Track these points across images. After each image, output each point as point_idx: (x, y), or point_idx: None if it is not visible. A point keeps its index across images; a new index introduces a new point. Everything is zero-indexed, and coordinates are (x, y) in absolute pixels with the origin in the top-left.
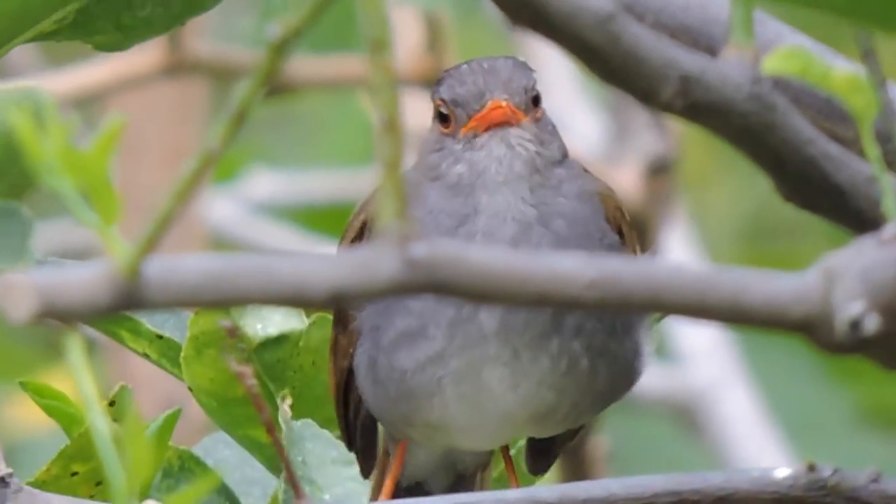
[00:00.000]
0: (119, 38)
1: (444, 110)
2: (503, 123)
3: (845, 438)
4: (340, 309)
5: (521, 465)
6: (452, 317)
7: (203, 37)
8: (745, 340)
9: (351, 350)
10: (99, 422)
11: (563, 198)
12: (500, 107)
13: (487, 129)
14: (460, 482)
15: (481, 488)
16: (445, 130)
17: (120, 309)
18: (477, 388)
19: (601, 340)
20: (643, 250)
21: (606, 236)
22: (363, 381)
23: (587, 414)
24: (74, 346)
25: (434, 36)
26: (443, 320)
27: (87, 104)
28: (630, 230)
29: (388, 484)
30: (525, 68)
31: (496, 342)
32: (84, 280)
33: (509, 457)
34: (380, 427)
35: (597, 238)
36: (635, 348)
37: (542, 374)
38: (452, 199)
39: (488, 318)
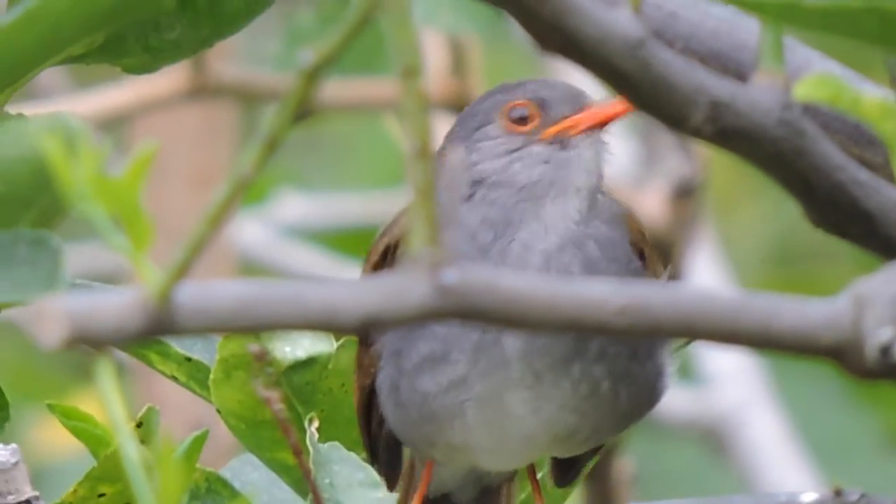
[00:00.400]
0: (147, 60)
1: (524, 112)
2: (600, 126)
3: (873, 462)
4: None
5: (547, 486)
6: (476, 341)
7: (229, 59)
8: (772, 363)
9: (373, 370)
10: (128, 447)
11: (597, 220)
12: (604, 109)
13: (582, 131)
14: (486, 494)
15: (508, 501)
16: (522, 129)
17: (151, 335)
18: (499, 411)
19: (623, 364)
20: (664, 273)
21: (632, 260)
22: (385, 402)
23: (610, 434)
24: (105, 372)
25: (460, 59)
26: (466, 345)
27: (113, 126)
28: (651, 253)
29: None
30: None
31: (519, 366)
32: (115, 306)
33: (536, 479)
34: None
35: (624, 262)
36: (657, 370)
37: (564, 398)
38: (498, 208)
39: (511, 342)
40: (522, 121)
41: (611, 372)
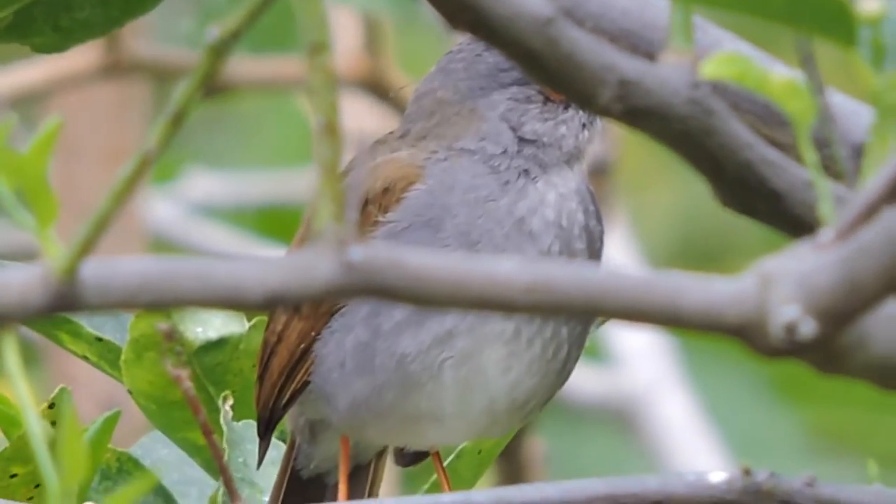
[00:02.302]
0: (57, 39)
1: None
2: None
3: (783, 444)
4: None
5: (458, 469)
6: None
7: (143, 37)
8: (683, 345)
9: (313, 334)
10: (34, 424)
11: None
12: None
13: None
14: (356, 471)
15: (375, 475)
16: (556, 95)
17: (55, 311)
18: (474, 370)
19: (580, 331)
20: None
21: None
22: (334, 374)
23: (544, 403)
24: (9, 349)
25: (372, 38)
26: None
27: (27, 104)
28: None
29: (342, 489)
30: None
31: (503, 320)
32: (19, 282)
33: (442, 466)
34: (289, 418)
35: (601, 219)
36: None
37: (532, 358)
38: (540, 166)
39: None
40: None
41: (570, 335)
